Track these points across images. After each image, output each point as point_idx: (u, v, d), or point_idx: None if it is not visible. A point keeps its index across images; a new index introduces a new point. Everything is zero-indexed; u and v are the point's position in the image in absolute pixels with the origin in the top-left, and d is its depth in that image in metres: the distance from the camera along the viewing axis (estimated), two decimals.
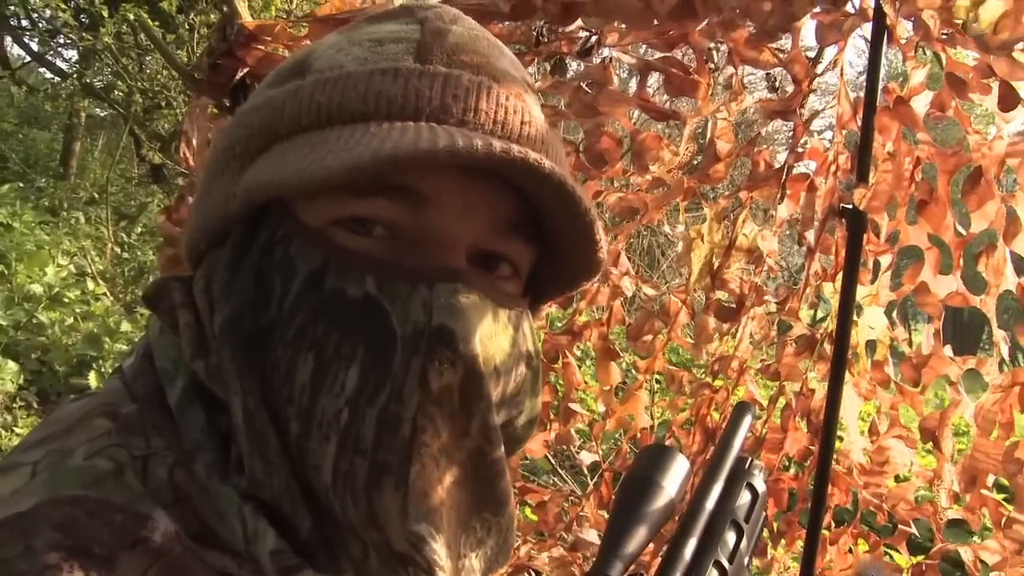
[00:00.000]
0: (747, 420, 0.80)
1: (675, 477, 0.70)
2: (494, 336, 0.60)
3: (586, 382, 2.21)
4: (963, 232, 1.57)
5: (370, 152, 0.55)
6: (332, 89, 0.61)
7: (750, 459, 0.77)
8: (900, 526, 1.81)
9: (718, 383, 1.92)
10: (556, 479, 4.16)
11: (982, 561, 1.63)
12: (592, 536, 2.01)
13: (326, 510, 0.57)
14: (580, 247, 0.64)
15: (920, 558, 1.83)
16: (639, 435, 1.99)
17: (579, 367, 2.03)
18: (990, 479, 1.60)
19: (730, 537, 0.71)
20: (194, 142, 1.75)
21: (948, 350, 1.65)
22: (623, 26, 1.67)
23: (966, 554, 1.65)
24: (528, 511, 2.40)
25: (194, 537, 0.55)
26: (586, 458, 2.22)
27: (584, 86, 1.69)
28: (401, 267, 0.58)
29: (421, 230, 0.60)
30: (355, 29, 0.67)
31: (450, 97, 0.60)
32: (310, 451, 0.56)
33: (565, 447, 3.74)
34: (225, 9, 1.78)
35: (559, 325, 2.06)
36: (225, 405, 0.59)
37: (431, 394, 0.56)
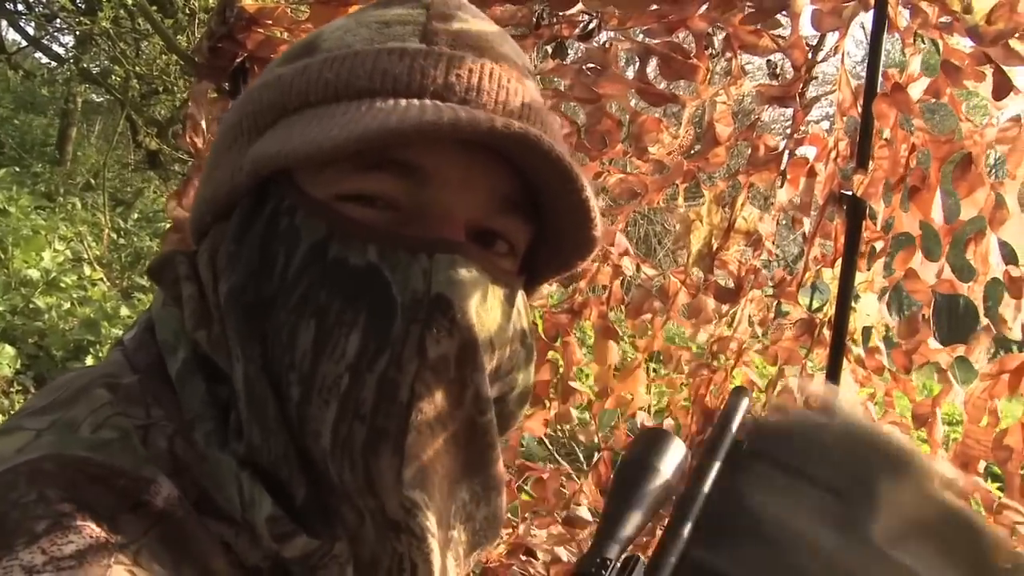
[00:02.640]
0: (744, 404, 0.80)
1: (671, 461, 0.71)
2: (489, 310, 0.61)
3: (587, 361, 2.21)
4: (948, 219, 1.58)
5: (376, 124, 0.57)
6: (340, 67, 0.62)
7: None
8: None
9: (716, 364, 1.93)
10: (553, 465, 4.17)
11: None
12: (588, 514, 2.02)
13: (322, 477, 0.58)
14: (576, 224, 0.65)
15: None
16: (638, 417, 1.99)
17: (579, 346, 2.04)
18: (981, 465, 1.60)
19: None
20: (202, 124, 1.75)
21: (933, 342, 1.66)
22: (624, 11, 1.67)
23: None
24: (525, 495, 2.41)
25: (193, 505, 0.56)
26: (583, 437, 2.22)
27: (585, 69, 1.69)
28: (402, 237, 0.59)
29: (422, 204, 0.61)
30: (362, 13, 0.69)
31: (453, 76, 0.62)
32: (310, 416, 0.57)
33: (562, 434, 3.76)
34: None
35: (557, 300, 2.06)
36: (225, 376, 0.61)
37: (428, 361, 0.57)
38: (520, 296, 0.66)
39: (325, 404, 0.57)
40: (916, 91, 1.58)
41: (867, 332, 1.81)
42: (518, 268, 0.68)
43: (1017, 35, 1.35)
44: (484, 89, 0.62)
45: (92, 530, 0.50)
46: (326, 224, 0.60)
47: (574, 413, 2.05)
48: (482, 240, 0.64)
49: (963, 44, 1.51)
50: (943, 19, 1.46)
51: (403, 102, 0.60)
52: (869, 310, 1.78)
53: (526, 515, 2.19)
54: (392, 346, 0.57)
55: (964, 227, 1.58)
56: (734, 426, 0.78)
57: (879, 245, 1.73)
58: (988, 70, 1.45)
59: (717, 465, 0.74)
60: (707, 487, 0.73)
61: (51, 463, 0.53)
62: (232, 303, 0.60)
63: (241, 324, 0.59)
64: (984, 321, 1.59)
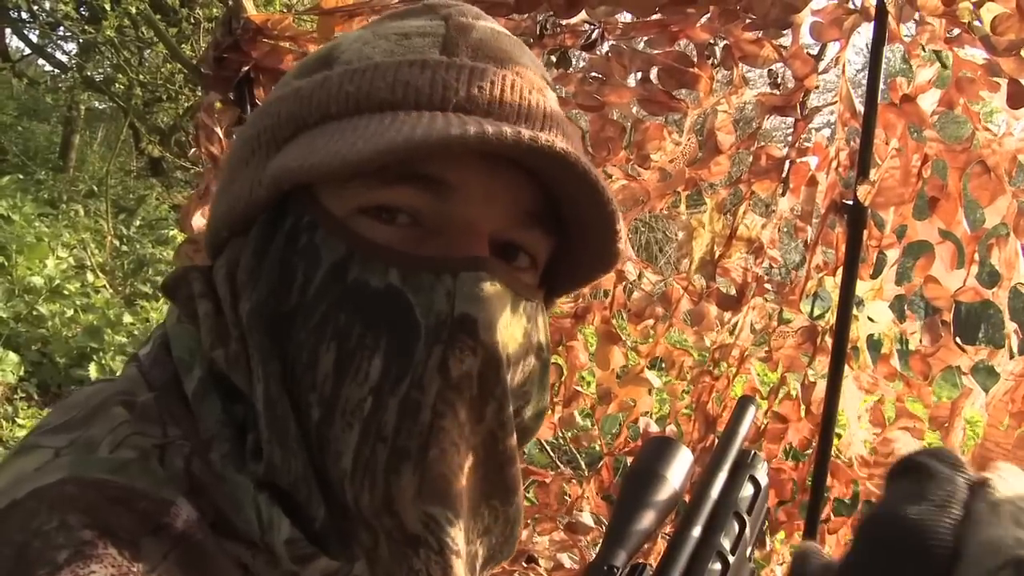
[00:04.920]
0: (750, 413, 0.81)
1: (678, 469, 0.71)
2: (510, 325, 0.61)
3: (587, 376, 2.22)
4: (973, 227, 1.58)
5: (402, 137, 0.56)
6: (361, 79, 0.61)
7: (753, 452, 0.78)
8: None
9: (718, 371, 1.93)
10: (554, 473, 4.18)
11: None
12: (591, 520, 2.03)
13: (338, 499, 0.58)
14: (600, 237, 0.65)
15: None
16: (641, 422, 2.00)
17: (584, 349, 2.04)
18: None
19: (733, 528, 0.72)
20: (218, 132, 1.76)
21: (955, 345, 1.66)
22: (626, 20, 1.68)
23: None
24: (530, 493, 2.42)
25: (210, 526, 0.56)
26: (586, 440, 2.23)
27: (588, 77, 1.70)
28: (425, 259, 0.59)
29: (445, 218, 0.61)
30: (380, 25, 0.68)
31: (476, 88, 0.61)
32: (331, 438, 0.57)
33: (563, 440, 3.76)
34: (231, 2, 1.79)
35: (560, 311, 2.07)
36: (241, 395, 0.60)
37: (451, 380, 0.57)
38: (540, 310, 0.66)
39: (348, 427, 0.57)
40: (926, 102, 1.59)
41: (871, 339, 1.82)
42: (538, 281, 0.68)
43: None
44: (507, 101, 0.61)
45: (114, 559, 0.50)
46: (346, 244, 0.59)
47: (577, 418, 2.05)
48: (504, 253, 0.63)
49: (974, 55, 1.51)
50: (951, 32, 1.47)
51: (427, 115, 0.59)
52: (876, 317, 1.79)
53: (528, 521, 2.19)
54: (415, 368, 0.56)
55: (987, 234, 1.59)
56: (740, 435, 0.79)
57: (891, 254, 1.74)
58: (1002, 80, 1.46)
59: (724, 474, 0.75)
60: (713, 496, 0.73)
61: (72, 486, 0.53)
62: (255, 320, 0.59)
63: (264, 342, 0.59)
64: (1010, 325, 1.59)
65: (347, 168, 0.56)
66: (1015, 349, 1.59)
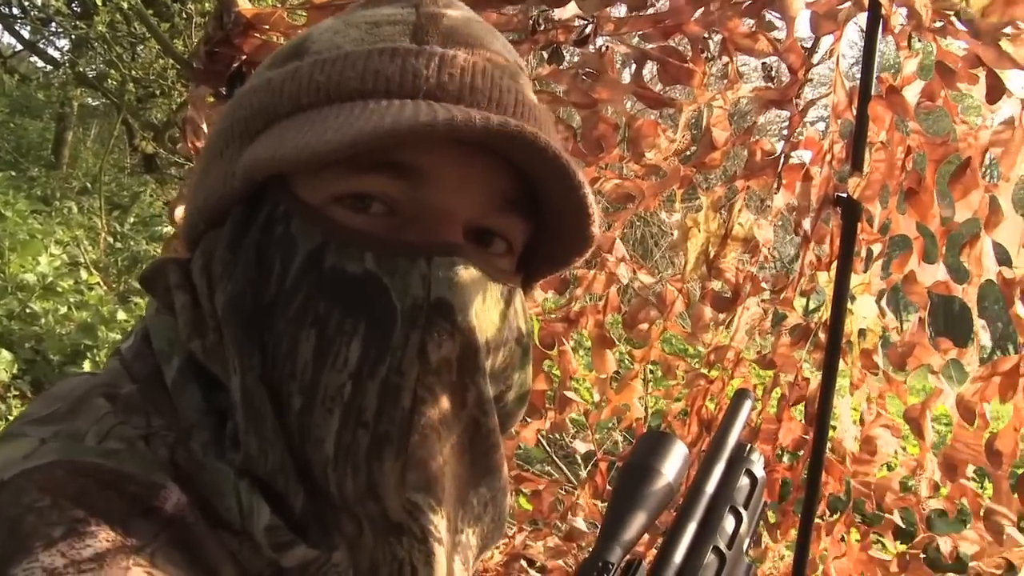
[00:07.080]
0: (747, 406, 0.81)
1: (674, 463, 0.71)
2: (488, 310, 0.61)
3: (584, 373, 2.21)
4: (948, 220, 1.58)
5: (371, 126, 0.56)
6: (331, 69, 0.62)
7: (749, 445, 0.77)
8: (886, 515, 1.83)
9: (713, 373, 1.92)
10: (550, 467, 4.17)
11: (961, 552, 1.64)
12: (584, 525, 2.02)
13: (320, 487, 0.58)
14: (574, 221, 0.65)
15: (905, 547, 1.84)
16: (634, 424, 1.99)
17: (574, 354, 2.04)
18: (970, 469, 1.60)
19: (729, 522, 0.72)
20: (204, 127, 1.75)
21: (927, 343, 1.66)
22: (618, 15, 1.67)
23: (945, 544, 1.66)
24: (523, 500, 2.41)
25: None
26: (580, 447, 2.22)
27: (581, 74, 1.69)
28: (399, 243, 0.59)
29: (419, 205, 0.61)
30: (351, 13, 0.68)
31: (446, 75, 0.61)
32: (313, 425, 0.57)
33: (559, 435, 3.76)
34: None
35: (553, 315, 2.06)
36: (222, 383, 0.60)
37: (430, 365, 0.57)
38: (518, 295, 0.66)
39: (328, 413, 0.57)
40: (911, 94, 1.59)
41: (863, 334, 1.81)
42: (516, 266, 0.68)
43: (1009, 36, 1.36)
44: (477, 87, 0.62)
45: (108, 534, 0.50)
46: (322, 232, 0.59)
47: (569, 425, 2.05)
48: (480, 239, 0.64)
49: (956, 47, 1.51)
50: (937, 23, 1.47)
51: (396, 103, 0.59)
52: (866, 312, 1.78)
53: (523, 526, 2.19)
54: (393, 352, 0.57)
55: (959, 229, 1.58)
56: (736, 429, 0.78)
57: (876, 247, 1.74)
58: (981, 73, 1.46)
59: (720, 468, 0.75)
60: (710, 489, 0.73)
61: (62, 470, 0.53)
62: (230, 313, 0.60)
63: (239, 334, 0.59)
64: (979, 322, 1.59)
65: (317, 159, 0.57)
66: (987, 344, 1.58)
